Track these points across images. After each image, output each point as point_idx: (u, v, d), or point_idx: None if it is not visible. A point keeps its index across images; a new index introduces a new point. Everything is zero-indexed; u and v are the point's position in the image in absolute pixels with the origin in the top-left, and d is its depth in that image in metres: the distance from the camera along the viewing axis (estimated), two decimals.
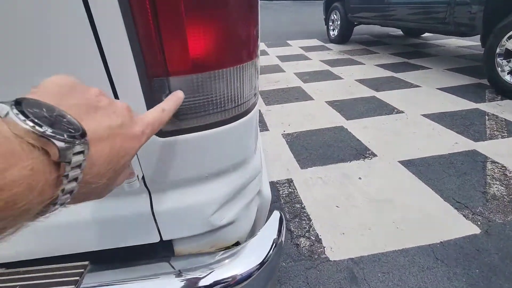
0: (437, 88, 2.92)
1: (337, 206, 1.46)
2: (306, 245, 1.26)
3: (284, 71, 3.89)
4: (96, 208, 0.46)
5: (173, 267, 0.53)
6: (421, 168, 1.71)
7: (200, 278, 0.51)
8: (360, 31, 6.16)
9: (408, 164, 1.75)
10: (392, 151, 1.90)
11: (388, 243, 1.23)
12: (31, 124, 0.18)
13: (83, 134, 0.21)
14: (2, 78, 0.34)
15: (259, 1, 0.45)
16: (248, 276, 0.52)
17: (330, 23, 5.39)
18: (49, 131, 0.18)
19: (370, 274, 1.11)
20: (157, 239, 0.50)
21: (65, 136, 0.19)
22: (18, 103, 0.19)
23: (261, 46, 5.43)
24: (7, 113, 0.18)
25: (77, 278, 0.48)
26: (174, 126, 0.41)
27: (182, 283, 0.50)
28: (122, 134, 0.25)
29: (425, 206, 1.41)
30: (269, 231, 0.58)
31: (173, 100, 0.34)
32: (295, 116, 2.54)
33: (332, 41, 5.42)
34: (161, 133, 0.41)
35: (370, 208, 1.43)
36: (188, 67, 0.36)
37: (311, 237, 1.30)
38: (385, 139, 2.06)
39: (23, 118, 0.18)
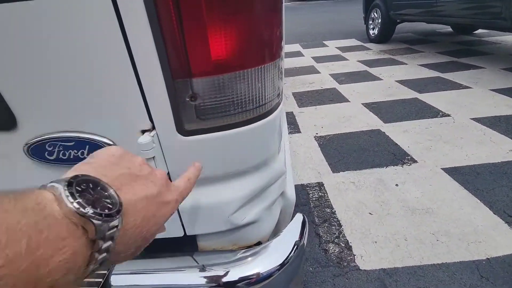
0: (491, 90, 2.65)
1: (370, 213, 1.39)
2: (335, 251, 1.22)
3: (319, 73, 3.81)
4: None
5: (196, 262, 0.55)
6: (469, 177, 1.56)
7: (222, 275, 0.52)
8: (402, 29, 5.81)
9: (453, 172, 1.61)
10: (435, 157, 1.76)
11: (425, 256, 1.14)
12: (77, 206, 0.20)
13: (119, 210, 0.23)
14: (42, 78, 0.38)
15: (283, 2, 0.45)
16: (268, 275, 0.52)
17: (370, 22, 5.17)
18: (90, 212, 0.21)
19: (404, 287, 1.04)
20: (181, 234, 0.53)
21: (103, 215, 0.21)
22: (69, 184, 0.21)
23: (296, 47, 5.39)
24: (60, 193, 0.21)
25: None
26: (197, 126, 0.42)
27: (205, 278, 0.52)
28: (157, 203, 0.28)
29: (471, 219, 1.29)
30: (291, 233, 0.58)
31: (195, 170, 0.37)
32: (329, 118, 2.47)
33: (372, 40, 5.19)
34: (185, 132, 0.42)
35: (407, 217, 1.34)
36: (210, 69, 0.38)
37: (341, 243, 1.25)
38: (427, 144, 1.91)
39: (71, 200, 0.20)
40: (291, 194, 0.67)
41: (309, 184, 1.66)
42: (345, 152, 1.94)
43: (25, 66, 0.37)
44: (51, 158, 0.44)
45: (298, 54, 4.92)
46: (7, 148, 0.44)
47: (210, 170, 0.48)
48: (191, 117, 0.41)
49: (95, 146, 0.43)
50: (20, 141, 0.43)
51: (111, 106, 0.40)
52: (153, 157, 0.42)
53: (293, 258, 0.54)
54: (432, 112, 2.35)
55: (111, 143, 0.43)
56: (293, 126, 2.41)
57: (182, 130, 0.42)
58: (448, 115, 2.27)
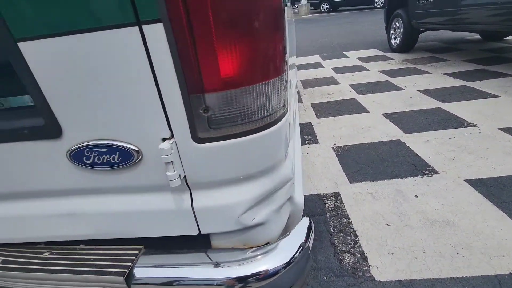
0: None
1: (387, 224, 1.38)
2: (350, 261, 1.22)
3: (339, 83, 3.82)
4: (147, 202, 0.56)
5: (210, 258, 0.60)
6: (494, 189, 1.50)
7: (234, 270, 0.57)
8: (426, 38, 5.69)
9: (478, 183, 1.55)
10: (457, 168, 1.71)
11: (444, 269, 1.11)
12: None
13: None
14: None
15: (285, 19, 0.51)
16: (275, 272, 0.56)
17: (392, 31, 5.12)
18: None
19: None
20: (196, 232, 0.58)
21: None
22: None
23: (316, 58, 5.43)
24: None
25: (133, 257, 0.59)
26: (209, 134, 0.49)
27: (219, 272, 0.57)
28: None
29: (494, 232, 1.24)
30: (297, 236, 0.62)
31: None
32: (348, 129, 2.47)
33: (394, 50, 5.12)
34: (199, 140, 0.49)
35: (426, 229, 1.31)
36: (220, 85, 0.44)
37: (356, 253, 1.25)
38: (450, 155, 1.86)
39: None
40: (300, 199, 0.71)
41: (326, 194, 1.67)
42: (363, 162, 1.93)
43: (72, 87, 0.46)
44: (88, 162, 0.52)
45: (318, 65, 4.96)
46: (53, 153, 0.52)
47: (220, 174, 0.53)
48: (204, 127, 0.48)
49: (124, 151, 0.50)
50: (64, 147, 0.52)
51: (138, 118, 0.47)
52: (172, 161, 0.48)
53: (298, 258, 0.57)
54: (456, 122, 2.28)
55: (137, 149, 0.50)
56: (311, 136, 2.43)
57: (197, 138, 0.48)
58: (474, 125, 2.19)
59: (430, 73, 3.68)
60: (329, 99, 3.28)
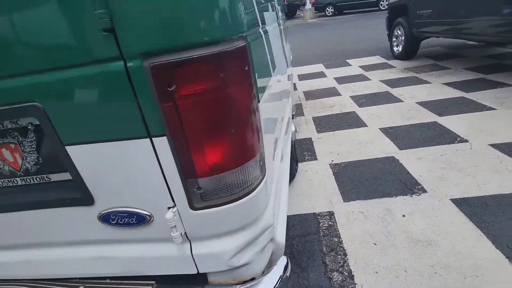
0: None
1: (375, 244, 1.51)
2: (339, 279, 1.36)
3: (340, 95, 3.93)
4: (157, 249, 0.73)
5: None
6: (477, 208, 1.61)
7: None
8: (430, 43, 5.71)
9: (462, 203, 1.67)
10: (445, 187, 1.82)
11: None
12: None
13: None
14: None
15: (259, 115, 0.67)
16: None
17: (394, 39, 5.18)
18: None
19: None
20: (195, 271, 0.75)
21: None
22: None
23: (319, 67, 5.54)
24: None
25: None
26: (202, 204, 0.65)
27: None
28: None
29: (472, 252, 1.36)
30: (276, 271, 0.77)
31: None
32: (346, 144, 2.59)
33: (396, 57, 5.18)
34: (195, 208, 0.65)
35: (410, 249, 1.44)
36: (208, 174, 0.60)
37: (344, 272, 1.39)
38: (439, 173, 1.97)
39: None
40: (281, 239, 0.87)
41: (321, 213, 1.81)
42: (358, 180, 2.06)
43: (103, 173, 0.63)
44: (113, 222, 0.70)
45: (321, 75, 5.08)
46: (87, 215, 0.70)
47: (212, 230, 0.70)
48: (198, 199, 0.64)
49: (139, 216, 0.67)
50: (95, 212, 0.69)
51: (151, 194, 0.64)
52: (175, 226, 0.65)
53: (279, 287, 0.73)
54: (450, 138, 2.38)
55: (149, 214, 0.67)
56: (310, 153, 2.57)
57: (193, 207, 0.65)
58: (466, 141, 2.29)
59: (430, 82, 3.76)
60: (330, 112, 3.40)
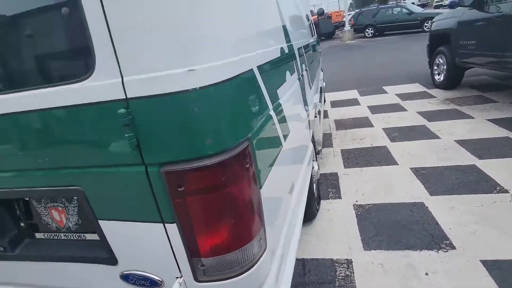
0: None
1: None
2: None
3: (373, 126, 3.83)
4: None
5: None
6: (508, 274, 1.48)
7: None
8: (476, 72, 5.35)
9: (493, 266, 1.54)
10: (476, 245, 1.70)
11: None
12: None
13: None
14: None
15: (260, 199, 0.75)
16: None
17: (435, 67, 4.97)
18: None
19: None
20: None
21: None
22: None
23: (354, 94, 5.47)
24: None
25: None
26: (205, 278, 0.73)
27: None
28: None
29: None
30: None
31: None
32: (373, 184, 2.53)
33: (437, 86, 4.94)
34: (199, 281, 0.74)
35: None
36: (210, 255, 0.69)
37: None
38: (472, 228, 1.84)
39: None
40: None
41: (338, 260, 1.79)
42: (381, 226, 2.00)
43: (125, 241, 0.75)
44: (131, 281, 0.81)
45: (354, 102, 5.00)
46: (111, 275, 0.82)
47: None
48: (201, 274, 0.73)
49: (153, 281, 0.78)
50: (118, 271, 0.81)
51: (163, 264, 0.75)
52: None
53: None
54: (488, 186, 2.22)
55: (160, 280, 0.77)
56: (335, 190, 2.54)
57: (197, 279, 0.74)
58: (506, 191, 2.11)
59: (473, 117, 3.52)
60: (360, 145, 3.33)
